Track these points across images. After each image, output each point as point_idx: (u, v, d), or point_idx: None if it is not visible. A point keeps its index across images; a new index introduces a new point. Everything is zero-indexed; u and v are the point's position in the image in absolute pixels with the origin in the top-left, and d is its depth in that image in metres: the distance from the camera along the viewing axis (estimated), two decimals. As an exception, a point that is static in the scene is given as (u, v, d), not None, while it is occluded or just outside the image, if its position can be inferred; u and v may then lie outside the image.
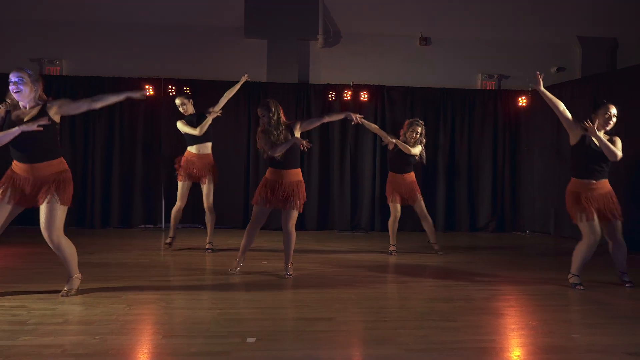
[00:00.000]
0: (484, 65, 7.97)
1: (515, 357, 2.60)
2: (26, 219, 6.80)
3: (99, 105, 3.47)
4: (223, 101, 5.47)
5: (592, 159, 3.92)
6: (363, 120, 4.37)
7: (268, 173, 4.13)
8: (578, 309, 3.48)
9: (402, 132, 5.39)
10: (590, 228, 3.88)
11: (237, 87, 5.57)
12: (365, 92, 7.47)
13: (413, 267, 4.85)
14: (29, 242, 5.67)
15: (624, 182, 6.12)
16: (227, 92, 5.53)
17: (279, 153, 3.97)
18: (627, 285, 4.02)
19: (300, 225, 7.45)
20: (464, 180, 7.70)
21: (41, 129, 3.20)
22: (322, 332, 2.88)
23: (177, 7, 7.53)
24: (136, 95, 3.51)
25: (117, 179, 7.30)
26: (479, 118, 7.74)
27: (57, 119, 3.37)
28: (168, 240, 5.46)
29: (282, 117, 4.07)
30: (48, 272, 4.12)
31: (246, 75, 5.59)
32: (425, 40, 7.87)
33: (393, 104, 7.65)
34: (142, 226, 7.34)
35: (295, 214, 4.06)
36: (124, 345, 2.61)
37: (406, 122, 5.46)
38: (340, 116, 4.36)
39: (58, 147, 3.40)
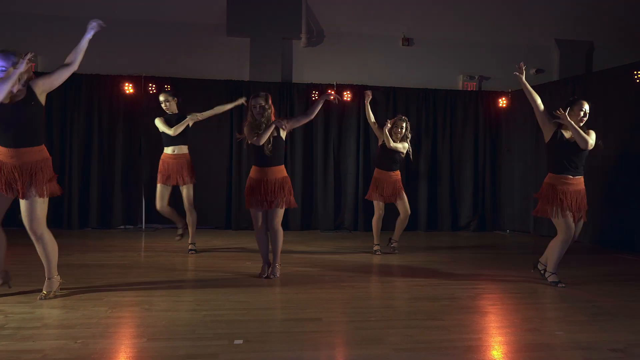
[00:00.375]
0: (465, 67, 8.08)
1: (501, 355, 2.63)
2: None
3: (77, 60, 3.37)
4: (210, 113, 5.36)
5: (566, 153, 3.99)
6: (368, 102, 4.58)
7: (252, 172, 4.08)
8: (561, 307, 3.54)
9: (386, 130, 5.40)
10: (566, 223, 3.96)
11: (230, 106, 5.46)
12: (348, 92, 7.48)
13: (397, 267, 4.87)
14: (10, 246, 5.47)
15: (600, 181, 6.29)
16: (219, 107, 5.40)
17: (262, 141, 3.92)
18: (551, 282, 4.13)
19: (284, 226, 7.35)
20: (445, 180, 7.78)
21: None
22: (310, 332, 2.86)
23: (159, 4, 7.40)
24: None
25: (95, 179, 7.14)
26: (460, 118, 7.83)
27: (42, 99, 3.25)
28: (180, 232, 5.41)
29: (272, 114, 4.06)
30: (25, 275, 3.99)
31: (243, 98, 5.40)
32: (407, 41, 7.93)
33: (376, 104, 7.65)
34: (122, 227, 7.20)
35: (281, 212, 4.02)
36: (107, 349, 2.54)
37: (391, 120, 5.47)
38: (321, 102, 4.23)
39: (42, 133, 3.27)
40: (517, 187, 7.70)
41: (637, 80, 5.86)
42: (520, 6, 8.11)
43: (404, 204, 5.44)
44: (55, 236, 5.21)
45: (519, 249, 6.44)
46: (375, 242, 5.48)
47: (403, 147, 5.38)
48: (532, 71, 8.21)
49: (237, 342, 2.65)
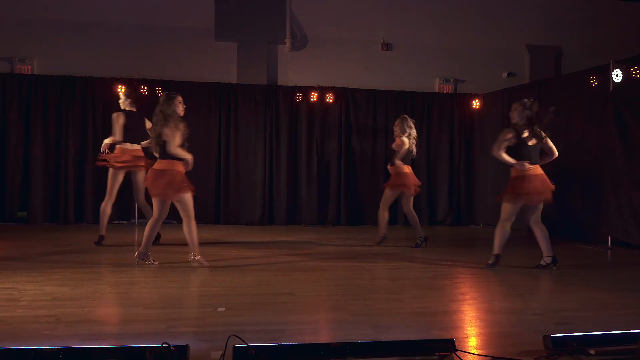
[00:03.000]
0: (441, 70, 8.65)
1: (443, 316, 3.18)
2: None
3: None
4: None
5: (529, 156, 4.55)
6: None
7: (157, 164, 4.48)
8: (503, 284, 4.11)
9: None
10: (513, 210, 4.50)
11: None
12: (330, 94, 8.02)
13: (371, 254, 5.42)
14: (5, 237, 5.95)
15: (562, 180, 6.89)
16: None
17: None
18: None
19: (270, 220, 7.97)
20: (423, 178, 8.32)
21: None
22: (284, 303, 3.40)
23: (150, 9, 7.89)
24: None
25: (90, 176, 7.58)
26: (436, 119, 8.40)
27: None
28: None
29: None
30: (31, 261, 4.48)
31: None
32: (386, 46, 8.49)
33: (357, 106, 8.24)
34: (116, 222, 7.66)
35: (183, 204, 4.51)
36: (111, 314, 3.07)
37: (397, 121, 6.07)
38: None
39: None
40: (490, 184, 8.28)
41: (593, 85, 6.46)
42: (493, 13, 8.70)
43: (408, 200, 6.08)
44: (52, 230, 5.72)
45: (487, 240, 6.99)
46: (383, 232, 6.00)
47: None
48: (504, 74, 8.81)
49: (220, 309, 3.18)
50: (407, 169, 6.02)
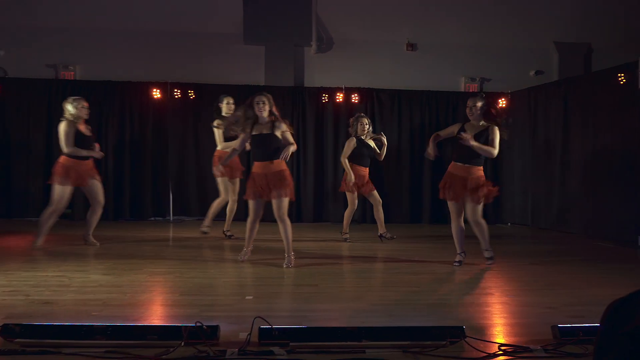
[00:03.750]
0: (467, 69, 8.71)
1: (457, 308, 3.36)
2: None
3: None
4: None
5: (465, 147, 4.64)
6: None
7: (254, 167, 4.53)
8: (522, 279, 4.24)
9: (351, 130, 6.19)
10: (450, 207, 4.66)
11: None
12: (356, 95, 8.23)
13: (395, 252, 5.61)
14: (52, 232, 6.46)
15: (591, 179, 6.88)
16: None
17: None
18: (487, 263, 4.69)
19: (297, 218, 8.25)
20: (448, 176, 8.43)
21: None
22: (308, 293, 3.66)
23: (182, 15, 8.30)
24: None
25: (128, 175, 8.07)
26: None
27: None
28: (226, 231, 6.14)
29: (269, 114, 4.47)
30: (77, 253, 4.92)
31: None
32: (411, 46, 8.62)
33: (382, 106, 8.41)
34: (152, 218, 8.12)
35: (284, 202, 4.42)
36: (150, 299, 3.40)
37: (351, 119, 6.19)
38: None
39: None
40: (517, 183, 8.31)
41: (622, 82, 6.43)
42: (520, 10, 8.68)
43: (375, 197, 6.27)
44: (95, 227, 6.06)
45: (514, 239, 7.07)
46: (346, 230, 6.24)
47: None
48: (532, 72, 8.79)
49: (248, 297, 3.47)
50: (361, 170, 6.18)
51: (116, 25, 8.26)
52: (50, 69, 8.22)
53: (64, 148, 5.26)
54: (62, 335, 2.48)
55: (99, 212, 5.46)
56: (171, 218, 8.07)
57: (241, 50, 8.42)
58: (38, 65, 8.13)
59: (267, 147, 4.40)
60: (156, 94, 8.02)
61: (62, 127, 5.24)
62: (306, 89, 8.37)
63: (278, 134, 4.42)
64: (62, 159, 5.30)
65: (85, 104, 5.44)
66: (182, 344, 2.43)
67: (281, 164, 4.45)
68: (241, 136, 4.61)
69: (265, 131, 4.41)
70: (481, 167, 4.69)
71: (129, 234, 6.47)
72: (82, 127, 5.38)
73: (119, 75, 8.08)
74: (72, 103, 5.31)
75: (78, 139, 5.29)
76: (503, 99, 8.42)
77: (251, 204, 4.52)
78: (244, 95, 8.42)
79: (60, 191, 5.26)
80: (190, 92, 8.09)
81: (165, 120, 8.15)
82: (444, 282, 4.11)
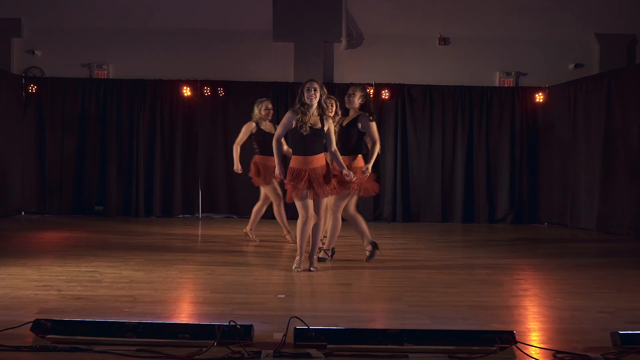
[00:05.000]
0: (502, 63, 8.38)
1: (502, 310, 3.13)
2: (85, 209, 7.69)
3: None
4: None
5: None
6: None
7: (293, 162, 4.10)
8: (569, 282, 3.96)
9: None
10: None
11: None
12: (386, 91, 8.02)
13: (429, 250, 5.39)
14: (85, 228, 6.52)
15: (633, 175, 6.46)
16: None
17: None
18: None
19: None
20: (482, 174, 8.13)
21: None
22: (341, 292, 3.50)
23: (212, 13, 8.28)
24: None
25: (159, 172, 8.08)
26: (496, 114, 8.15)
27: None
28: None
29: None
30: (109, 249, 4.90)
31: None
32: (444, 40, 8.34)
33: (413, 102, 8.17)
34: (181, 215, 8.11)
35: (323, 201, 4.07)
36: (181, 296, 3.31)
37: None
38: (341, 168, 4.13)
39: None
40: (555, 181, 7.92)
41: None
42: (558, 0, 8.29)
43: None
44: (126, 223, 6.10)
45: (552, 239, 6.73)
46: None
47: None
48: (571, 66, 8.39)
49: (280, 296, 3.33)
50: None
51: (147, 24, 8.30)
52: (85, 68, 8.32)
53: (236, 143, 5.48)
54: (94, 332, 2.39)
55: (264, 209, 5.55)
56: (200, 215, 8.04)
57: (270, 47, 8.32)
58: (73, 64, 8.25)
59: (311, 141, 3.99)
60: (186, 91, 8.01)
61: (243, 127, 5.47)
62: (336, 85, 8.19)
63: (326, 128, 4.03)
64: (255, 157, 5.45)
65: (269, 105, 5.51)
66: (215, 344, 2.30)
67: (323, 158, 4.07)
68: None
69: (313, 124, 3.99)
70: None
71: (159, 231, 6.45)
72: (267, 126, 5.44)
73: (150, 73, 8.11)
74: (256, 105, 5.47)
75: (260, 138, 5.39)
76: (540, 94, 8.06)
77: (299, 203, 4.02)
78: (274, 92, 8.39)
79: (271, 189, 5.39)
80: (220, 90, 8.04)
81: (195, 117, 8.13)
82: (484, 283, 3.87)
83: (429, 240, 6.17)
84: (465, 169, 8.14)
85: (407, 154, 8.15)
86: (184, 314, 2.98)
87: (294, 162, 4.09)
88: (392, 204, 8.14)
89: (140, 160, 8.05)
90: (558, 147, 7.89)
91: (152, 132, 8.12)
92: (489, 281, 3.94)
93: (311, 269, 4.05)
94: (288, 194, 4.09)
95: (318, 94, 4.00)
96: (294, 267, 4.10)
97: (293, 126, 4.04)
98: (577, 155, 7.49)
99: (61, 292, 3.31)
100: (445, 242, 6.05)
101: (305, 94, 4.01)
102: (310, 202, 4.03)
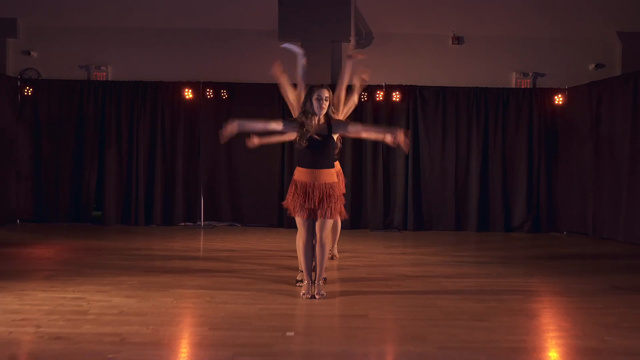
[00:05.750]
0: (519, 63, 7.87)
1: (548, 358, 2.66)
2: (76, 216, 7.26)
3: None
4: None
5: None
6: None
7: (299, 174, 3.59)
8: (613, 312, 3.47)
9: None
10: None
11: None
12: (397, 93, 7.53)
13: (446, 266, 4.91)
14: (80, 239, 6.07)
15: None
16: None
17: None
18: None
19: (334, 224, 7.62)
20: (498, 180, 7.64)
21: None
22: (357, 329, 3.02)
23: (214, 12, 7.80)
24: None
25: (159, 179, 7.64)
26: (513, 117, 7.65)
27: None
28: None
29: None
30: (102, 267, 4.44)
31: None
32: (457, 40, 7.84)
33: (425, 104, 7.68)
34: (183, 224, 7.66)
35: (329, 223, 3.57)
36: (175, 335, 2.84)
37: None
38: (379, 137, 3.81)
39: None
40: (575, 187, 7.42)
41: None
42: (578, -2, 7.76)
43: None
44: (125, 232, 5.64)
45: (574, 251, 6.23)
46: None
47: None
48: (592, 66, 7.87)
49: (289, 334, 2.86)
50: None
51: (147, 24, 7.83)
52: (83, 69, 7.89)
53: None
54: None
55: None
56: (202, 223, 7.59)
57: (276, 47, 7.82)
58: (71, 66, 7.81)
59: (322, 152, 3.54)
60: (188, 94, 7.56)
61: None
62: (344, 87, 7.70)
63: (335, 137, 3.61)
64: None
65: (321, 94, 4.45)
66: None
67: (334, 174, 3.59)
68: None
69: (319, 132, 3.50)
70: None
71: (159, 243, 5.99)
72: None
73: (150, 75, 7.66)
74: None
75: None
76: (559, 96, 7.54)
77: (301, 221, 3.59)
78: (279, 94, 7.88)
79: None
80: (223, 92, 7.60)
81: (197, 121, 7.67)
82: (516, 314, 3.39)
83: (444, 252, 5.68)
84: (480, 174, 7.65)
85: (419, 159, 7.66)
86: (178, 360, 2.52)
87: (299, 174, 3.62)
88: (403, 211, 7.66)
89: (140, 166, 7.61)
90: (579, 152, 7.38)
91: (153, 136, 7.67)
92: (522, 311, 3.46)
93: (316, 296, 3.58)
94: (288, 207, 3.59)
95: (328, 103, 3.54)
96: (302, 292, 3.63)
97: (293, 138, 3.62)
98: (600, 160, 6.98)
99: (39, 330, 2.86)
100: (463, 255, 5.56)
101: (315, 104, 3.53)
102: (314, 222, 3.58)
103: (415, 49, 7.80)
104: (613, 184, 6.71)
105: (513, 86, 7.84)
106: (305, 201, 3.52)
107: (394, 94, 7.52)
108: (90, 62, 7.85)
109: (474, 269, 4.80)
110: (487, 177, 7.68)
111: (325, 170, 3.59)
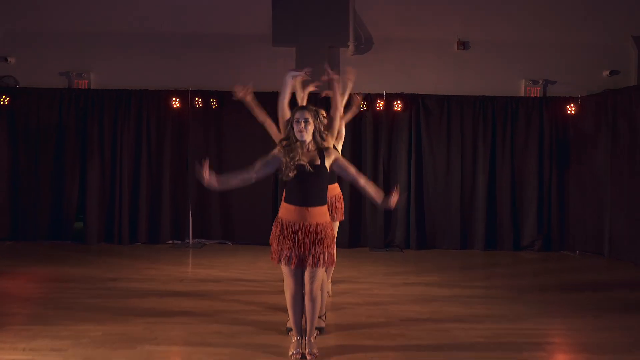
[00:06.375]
0: (528, 70, 7.29)
1: None
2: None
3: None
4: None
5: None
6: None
7: (284, 212, 3.03)
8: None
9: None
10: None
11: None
12: (398, 102, 6.95)
13: (453, 303, 4.34)
14: (54, 263, 5.48)
15: None
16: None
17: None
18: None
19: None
20: (506, 195, 7.07)
21: None
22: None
23: (203, 16, 7.22)
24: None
25: (144, 193, 7.06)
26: (522, 128, 7.08)
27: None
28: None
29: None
30: (66, 308, 3.87)
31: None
32: (462, 45, 7.27)
33: (429, 114, 7.11)
34: (170, 241, 7.10)
35: (320, 273, 3.01)
36: None
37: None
38: (371, 192, 3.16)
39: None
40: (589, 203, 6.85)
41: None
42: (590, 0, 7.18)
43: None
44: (107, 252, 5.06)
45: (592, 278, 5.66)
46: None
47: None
48: (606, 73, 7.29)
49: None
50: None
51: (132, 29, 7.23)
52: (63, 77, 7.30)
53: None
54: None
55: None
56: (190, 241, 7.02)
57: (269, 53, 7.25)
58: (51, 73, 7.22)
59: (311, 186, 2.97)
60: (175, 103, 6.98)
61: None
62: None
63: (328, 164, 3.01)
64: None
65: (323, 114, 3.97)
66: None
67: (326, 213, 3.04)
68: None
69: (308, 162, 2.95)
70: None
71: (139, 270, 5.40)
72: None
73: (135, 83, 7.07)
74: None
75: None
76: (572, 105, 6.96)
77: (288, 270, 3.03)
78: (273, 103, 7.30)
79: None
80: (213, 101, 7.02)
81: (185, 131, 7.09)
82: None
83: (451, 281, 5.11)
84: (488, 189, 7.07)
85: (422, 173, 7.09)
86: None
87: (285, 211, 3.03)
88: (405, 228, 7.09)
89: (124, 180, 7.03)
90: (593, 165, 6.81)
91: (138, 148, 7.09)
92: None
93: (307, 356, 3.01)
94: (272, 251, 3.01)
95: (311, 127, 2.96)
96: (290, 352, 3.07)
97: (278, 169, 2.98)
98: (617, 175, 6.41)
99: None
100: (471, 286, 4.98)
101: (295, 127, 2.95)
102: (303, 270, 3.00)
103: (418, 55, 7.22)
104: (633, 202, 6.14)
105: (522, 94, 7.27)
106: (293, 245, 2.95)
107: (395, 103, 6.95)
108: (71, 69, 7.26)
109: (485, 308, 4.23)
110: (494, 191, 7.11)
111: (318, 208, 3.01)
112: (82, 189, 7.03)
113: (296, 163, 2.92)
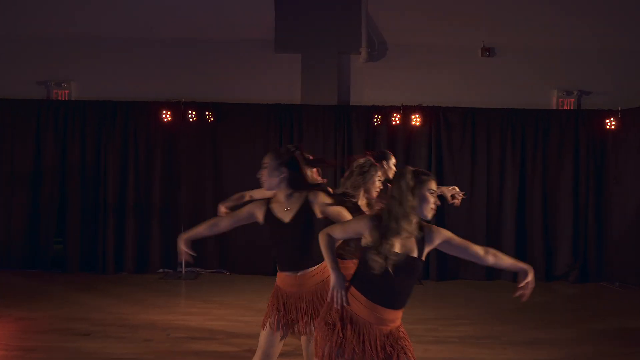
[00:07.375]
0: (561, 80, 6.53)
1: None
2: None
3: None
4: None
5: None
6: None
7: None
8: None
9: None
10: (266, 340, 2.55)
11: None
12: (417, 115, 6.18)
13: (493, 350, 3.48)
14: (17, 306, 4.59)
15: None
16: None
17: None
18: None
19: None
20: (538, 220, 6.28)
21: None
22: None
23: (198, 21, 6.43)
24: None
25: (132, 216, 6.28)
26: (555, 144, 6.31)
27: None
28: None
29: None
30: None
31: None
32: (488, 51, 6.50)
33: (451, 129, 6.33)
34: (161, 270, 6.28)
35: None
36: None
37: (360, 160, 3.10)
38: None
39: None
40: (631, 229, 6.05)
41: None
42: (630, 2, 6.41)
43: None
44: (86, 285, 4.19)
45: (634, 315, 4.83)
46: None
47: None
48: (649, 84, 6.48)
49: None
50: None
51: (118, 34, 6.42)
52: (42, 86, 6.50)
53: None
54: None
55: None
56: (183, 271, 6.18)
57: (272, 60, 6.45)
58: (28, 82, 6.43)
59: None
60: (166, 116, 6.21)
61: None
62: (353, 107, 6.38)
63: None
64: None
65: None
66: None
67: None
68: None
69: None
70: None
71: (117, 316, 4.52)
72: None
73: (121, 94, 6.28)
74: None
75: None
76: (611, 119, 6.16)
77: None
78: (275, 116, 6.54)
79: None
80: (208, 114, 6.26)
81: (177, 148, 6.34)
82: None
83: (477, 331, 4.26)
84: (516, 212, 6.30)
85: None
86: None
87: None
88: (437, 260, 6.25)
89: (108, 201, 6.24)
90: (636, 186, 6.02)
91: (124, 166, 6.29)
92: None
93: None
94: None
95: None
96: None
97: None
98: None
99: None
100: (500, 341, 4.10)
101: (428, 200, 2.19)
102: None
103: (438, 63, 6.45)
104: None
105: (554, 107, 6.50)
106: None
107: (413, 116, 6.18)
108: (50, 78, 6.46)
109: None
110: (523, 215, 6.32)
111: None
112: (61, 212, 6.27)
113: (392, 253, 2.06)
